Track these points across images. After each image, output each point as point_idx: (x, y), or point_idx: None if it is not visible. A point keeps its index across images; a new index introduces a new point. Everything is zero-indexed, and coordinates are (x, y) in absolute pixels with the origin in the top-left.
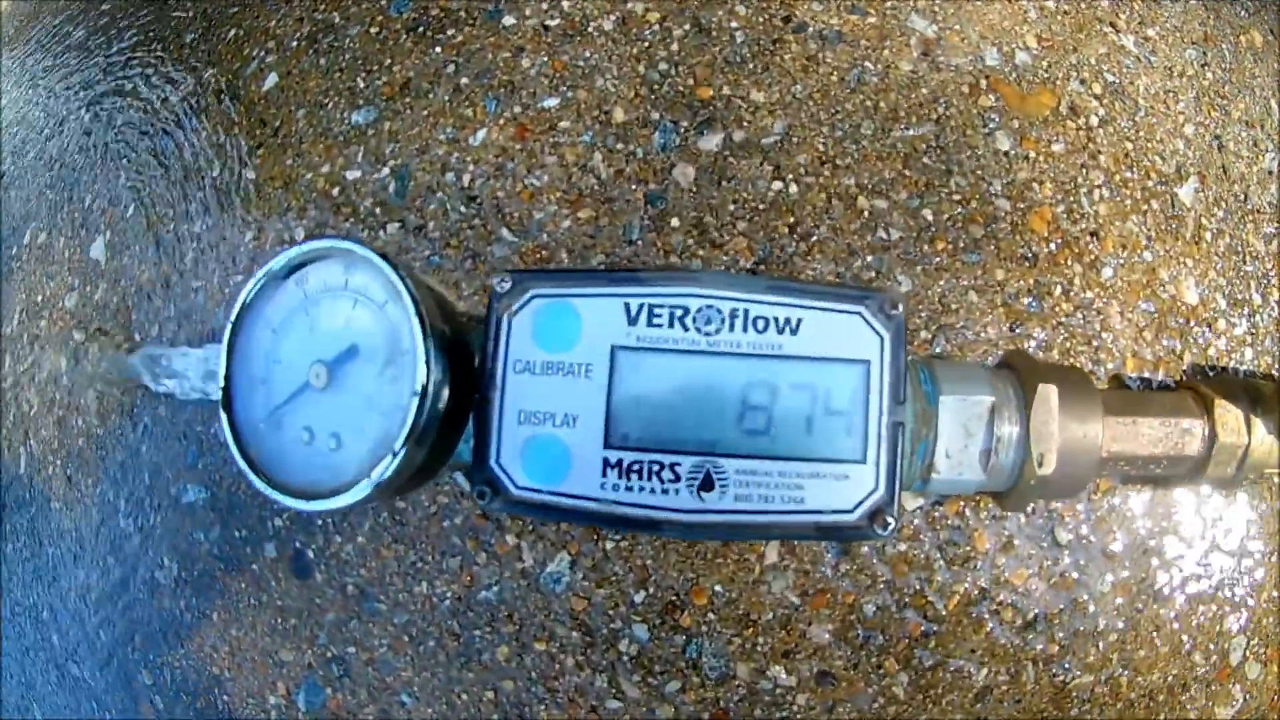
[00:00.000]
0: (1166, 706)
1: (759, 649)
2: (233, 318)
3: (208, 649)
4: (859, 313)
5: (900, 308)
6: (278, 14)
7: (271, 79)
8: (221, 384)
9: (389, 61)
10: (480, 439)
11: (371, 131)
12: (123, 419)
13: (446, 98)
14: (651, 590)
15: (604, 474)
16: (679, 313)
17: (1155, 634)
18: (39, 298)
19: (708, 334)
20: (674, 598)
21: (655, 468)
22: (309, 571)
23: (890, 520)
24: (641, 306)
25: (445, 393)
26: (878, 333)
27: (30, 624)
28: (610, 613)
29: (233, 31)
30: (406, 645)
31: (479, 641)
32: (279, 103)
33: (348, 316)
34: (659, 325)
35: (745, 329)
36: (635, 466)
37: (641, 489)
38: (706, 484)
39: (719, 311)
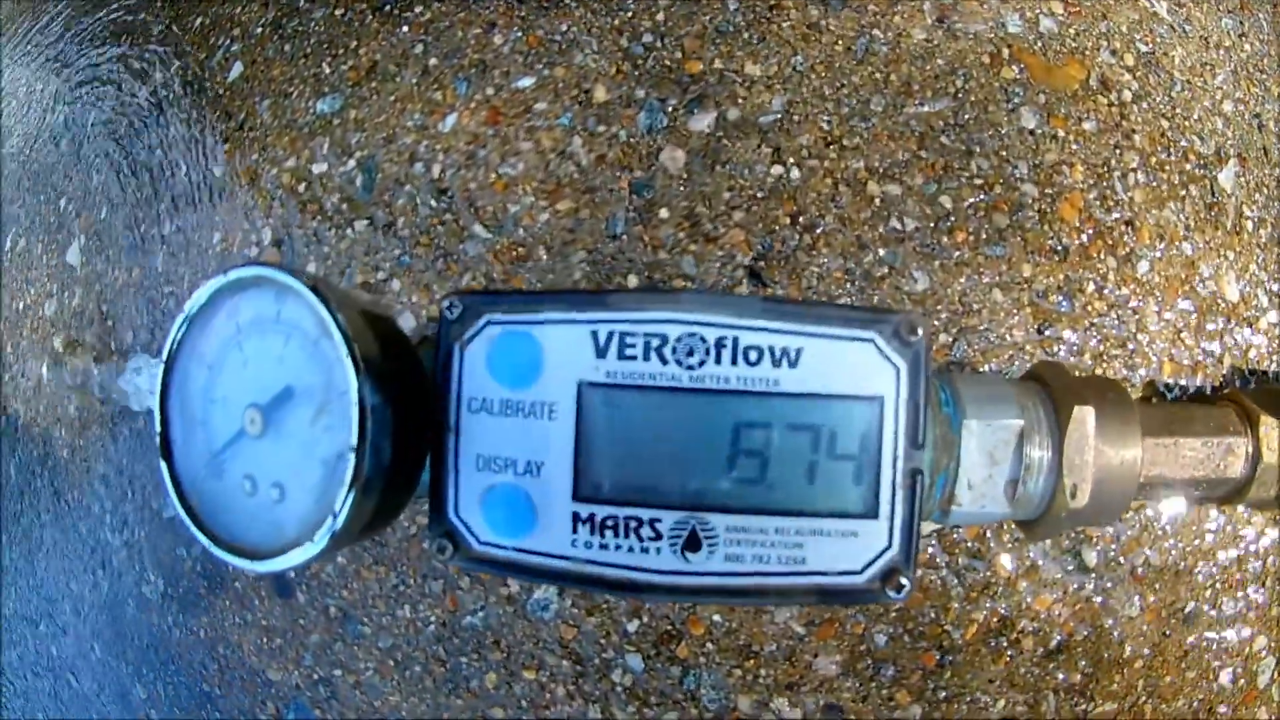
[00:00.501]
0: None
1: (761, 681)
2: (164, 356)
3: (197, 665)
4: (871, 339)
5: (921, 332)
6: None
7: (237, 68)
8: (158, 429)
9: (355, 44)
10: (436, 488)
11: (337, 121)
12: (103, 430)
13: (414, 80)
14: (645, 619)
15: (574, 530)
16: (655, 342)
17: (1183, 659)
18: (21, 305)
19: (690, 367)
20: (669, 627)
21: (632, 524)
22: (290, 591)
23: (905, 583)
24: (611, 335)
25: (387, 443)
26: (893, 363)
27: (29, 635)
28: (602, 642)
29: (199, 20)
30: (392, 670)
31: (466, 668)
32: (244, 94)
33: (280, 355)
34: (632, 357)
35: (735, 361)
36: (609, 522)
37: (618, 548)
38: (692, 543)
39: (703, 340)
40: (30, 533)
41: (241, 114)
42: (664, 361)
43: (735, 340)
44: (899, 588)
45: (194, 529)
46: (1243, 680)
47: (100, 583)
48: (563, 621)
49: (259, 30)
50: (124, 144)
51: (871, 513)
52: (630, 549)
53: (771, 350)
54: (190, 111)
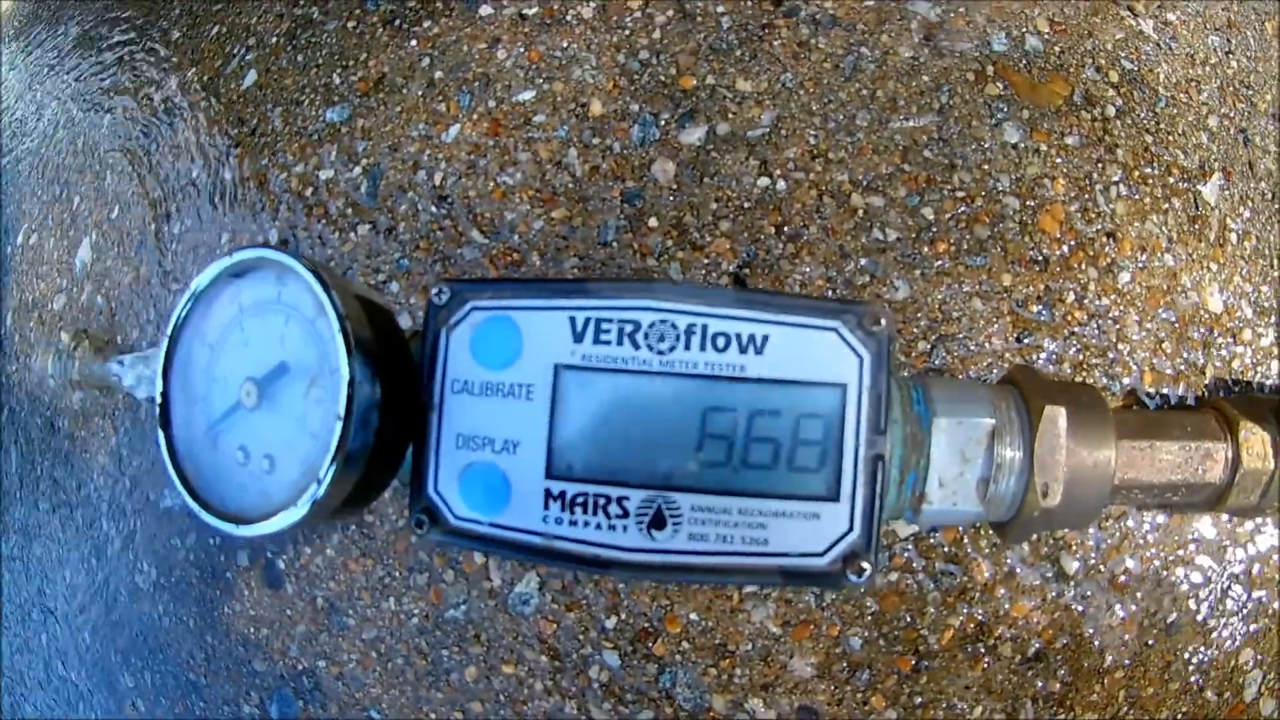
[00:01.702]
0: None
1: (736, 681)
2: (169, 332)
3: (185, 655)
4: (834, 328)
5: (884, 323)
6: (259, 10)
7: (251, 76)
8: (159, 400)
9: (365, 56)
10: (417, 465)
11: (345, 129)
12: (105, 422)
13: (420, 93)
14: (623, 616)
15: (546, 506)
16: (629, 328)
17: (1165, 670)
18: (30, 298)
19: (660, 352)
20: (647, 624)
21: (601, 501)
22: (280, 582)
23: (866, 566)
24: (588, 321)
25: (375, 418)
26: (856, 352)
27: (20, 623)
28: (580, 638)
29: (216, 28)
30: (375, 662)
31: (447, 661)
32: (257, 101)
33: (280, 334)
34: (607, 342)
35: (704, 347)
36: (580, 499)
37: (586, 524)
38: (658, 521)
39: (674, 327)
40: (28, 521)
41: (254, 120)
42: (636, 346)
43: (704, 327)
44: (860, 571)
45: (186, 495)
46: (1228, 694)
47: (95, 571)
48: (542, 617)
49: (274, 40)
50: (136, 146)
51: (833, 496)
52: (598, 526)
53: (739, 337)
54: (203, 117)
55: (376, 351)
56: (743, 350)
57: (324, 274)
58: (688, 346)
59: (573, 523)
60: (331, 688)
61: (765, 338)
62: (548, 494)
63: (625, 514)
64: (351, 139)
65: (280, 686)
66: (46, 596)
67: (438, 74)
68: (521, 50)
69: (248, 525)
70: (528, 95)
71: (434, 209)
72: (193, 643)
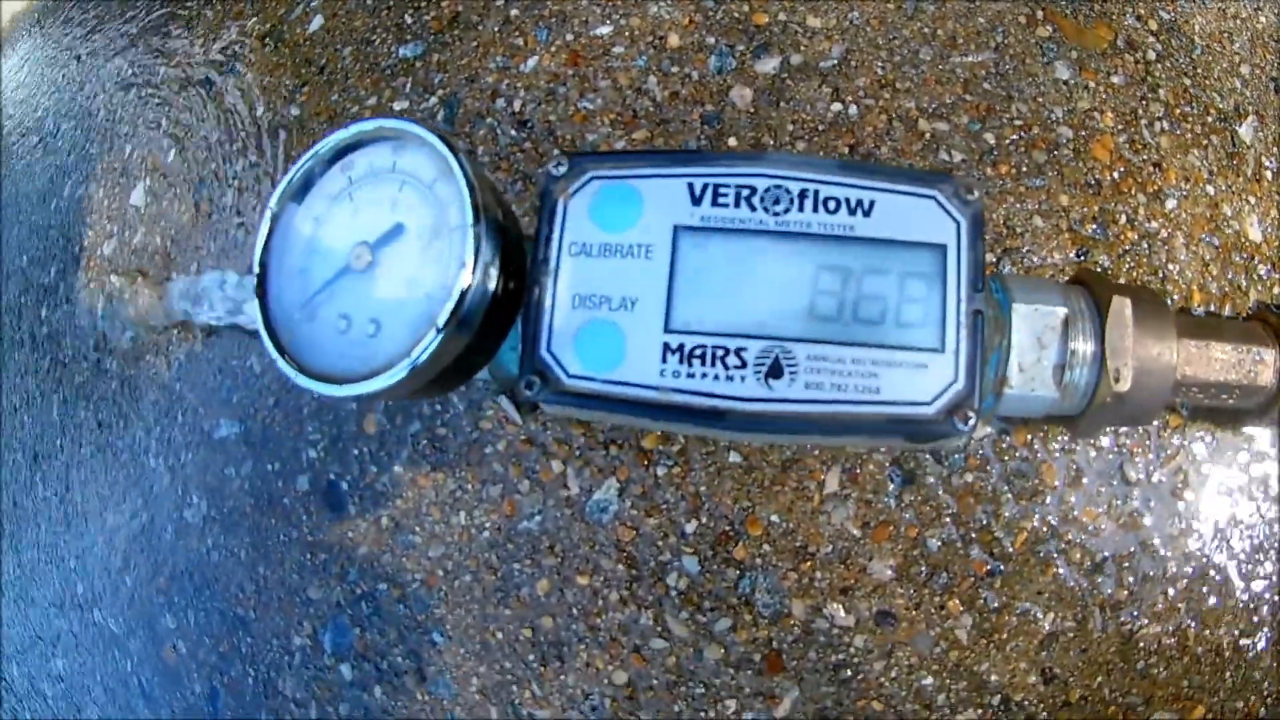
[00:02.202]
0: (1233, 664)
1: (816, 585)
2: (273, 204)
3: (234, 589)
4: (934, 196)
5: (976, 193)
6: None
7: (317, 21)
8: (256, 269)
9: None
10: (531, 326)
11: (419, 64)
12: (158, 358)
13: (496, 29)
14: (704, 520)
15: (664, 359)
16: (746, 192)
17: (1224, 585)
18: (76, 249)
19: (776, 214)
20: (728, 527)
21: (720, 353)
22: (343, 504)
23: (971, 415)
24: (706, 186)
25: (494, 273)
26: (954, 218)
27: (56, 572)
28: (659, 544)
29: None
30: (440, 580)
31: (518, 575)
32: (324, 43)
33: (394, 199)
34: (724, 205)
35: (815, 209)
36: (698, 351)
37: (704, 375)
38: (775, 370)
39: (787, 191)
40: (70, 466)
41: (322, 60)
42: (753, 209)
43: (816, 192)
44: (965, 419)
45: (281, 361)
46: None
47: (139, 511)
48: (621, 523)
49: None
50: (194, 92)
51: (939, 347)
52: (716, 377)
53: (848, 201)
54: (267, 60)
55: (495, 213)
56: (851, 212)
57: (448, 138)
58: (801, 209)
59: (690, 375)
60: (391, 611)
61: (873, 202)
62: (666, 347)
63: (743, 364)
64: (427, 72)
65: (336, 614)
66: (84, 540)
67: (514, 11)
68: None
69: (350, 385)
70: (605, 30)
71: (513, 132)
72: (243, 575)
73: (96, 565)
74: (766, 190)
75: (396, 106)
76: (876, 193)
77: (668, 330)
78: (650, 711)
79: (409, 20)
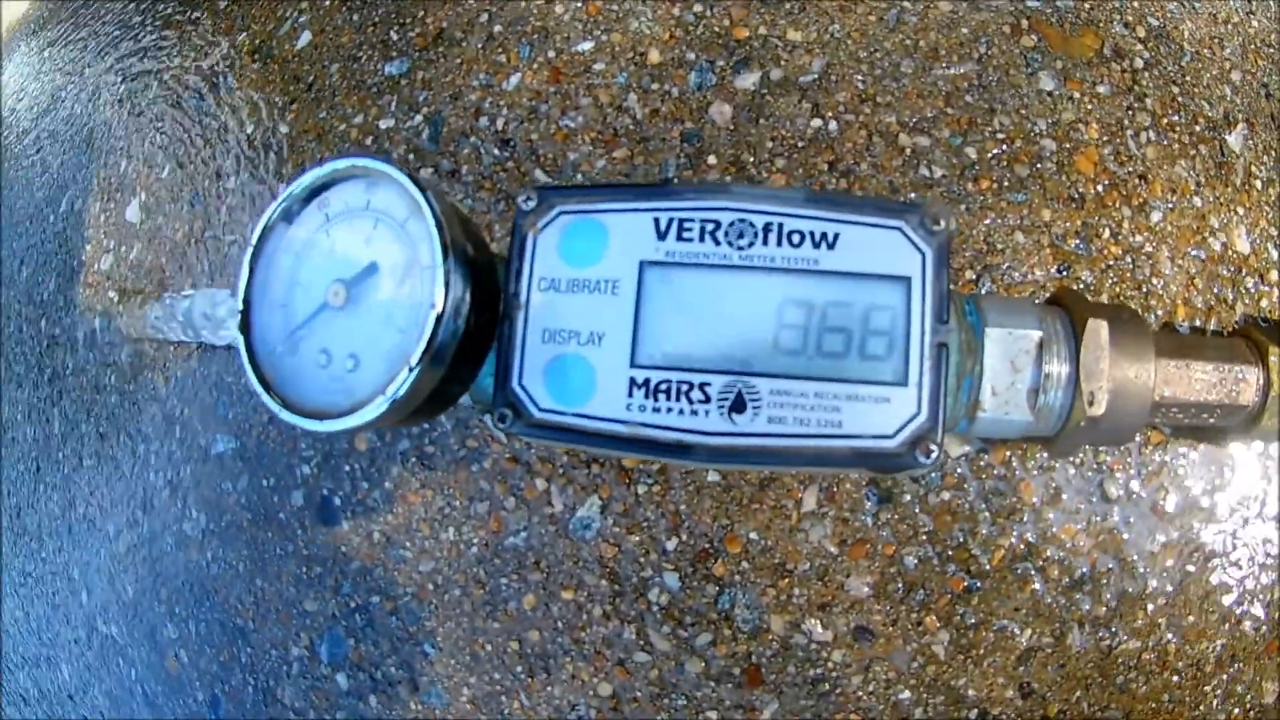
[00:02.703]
0: (1214, 679)
1: (794, 601)
2: (253, 241)
3: (233, 601)
4: (899, 227)
5: (944, 223)
6: None
7: (305, 37)
8: (240, 306)
9: (422, 13)
10: (503, 359)
11: (405, 81)
12: (155, 374)
13: (480, 45)
14: (684, 537)
15: (630, 394)
16: (710, 226)
17: (1204, 600)
18: (75, 262)
19: (740, 248)
20: (707, 545)
21: (684, 387)
22: (336, 519)
23: (933, 448)
24: (671, 220)
25: (465, 309)
26: (919, 249)
27: (62, 583)
28: (641, 560)
29: None
30: (431, 594)
31: (505, 590)
32: (312, 60)
33: (369, 236)
34: (689, 240)
35: (780, 243)
36: (663, 386)
37: (670, 410)
38: (738, 405)
39: (752, 225)
40: (71, 480)
41: (310, 77)
42: (717, 243)
43: (780, 225)
44: (928, 452)
45: (266, 396)
46: (1265, 628)
47: (140, 523)
48: (603, 540)
49: (328, 1)
50: (187, 109)
51: (902, 381)
52: (681, 411)
53: (812, 234)
54: (256, 76)
55: (465, 249)
56: (816, 245)
57: (418, 178)
58: (765, 242)
59: (656, 409)
60: (384, 624)
61: (837, 235)
62: (632, 382)
63: (707, 399)
64: (411, 90)
65: (331, 626)
66: (87, 551)
67: (497, 28)
68: (579, 4)
69: (332, 420)
70: (586, 46)
71: (497, 151)
72: (241, 587)
73: (100, 576)
74: (731, 224)
75: (382, 125)
76: (842, 225)
77: (634, 365)
78: None
79: (394, 36)
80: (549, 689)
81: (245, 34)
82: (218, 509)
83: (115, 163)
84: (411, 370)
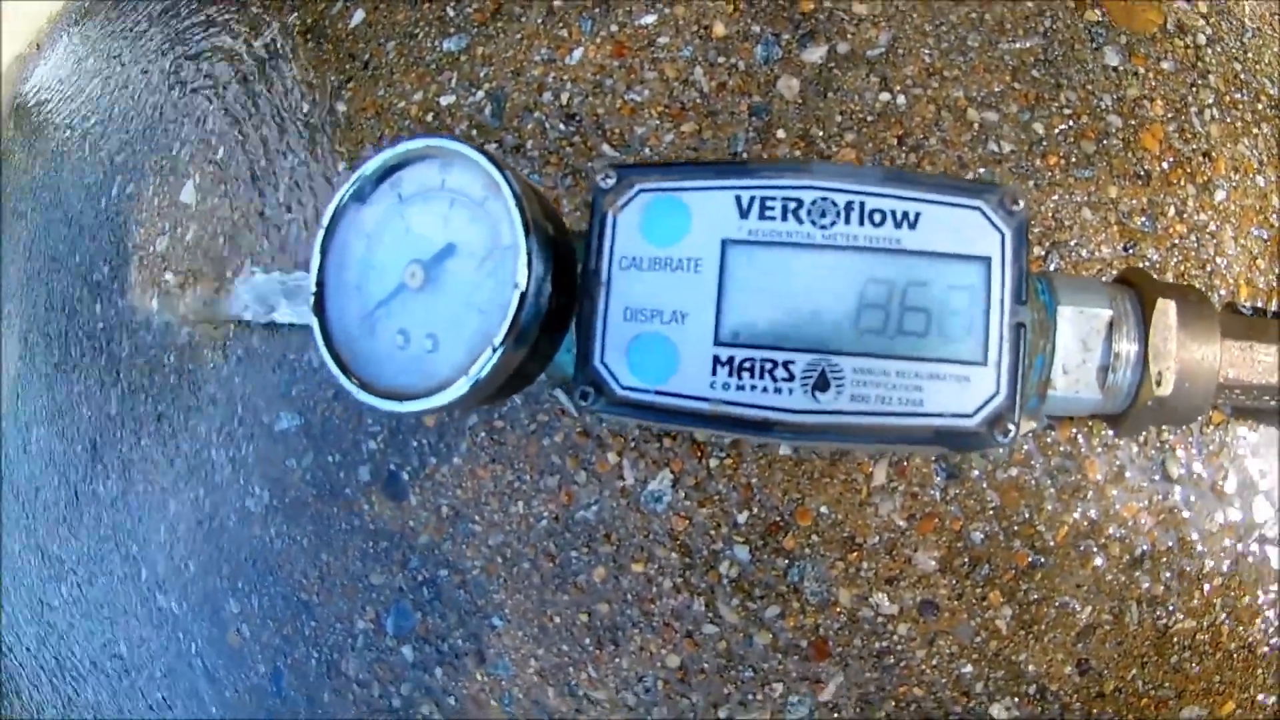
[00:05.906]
0: (1265, 662)
1: (862, 574)
2: (325, 223)
3: (297, 575)
4: (979, 207)
5: (1022, 204)
6: None
7: (359, 15)
8: (314, 289)
9: None
10: (584, 337)
11: (464, 57)
12: (215, 353)
13: (540, 20)
14: (755, 510)
15: (714, 372)
16: (793, 205)
17: (1258, 582)
18: (128, 246)
19: (823, 227)
20: (778, 518)
21: (768, 365)
22: (403, 494)
23: (1011, 427)
24: (754, 199)
25: (547, 288)
26: (998, 229)
27: (120, 559)
28: (712, 533)
29: None
30: (500, 567)
31: (575, 563)
32: (367, 37)
33: (445, 217)
34: (772, 218)
35: (862, 222)
36: (747, 364)
37: (753, 388)
38: (822, 383)
39: (834, 204)
40: (130, 460)
41: (366, 55)
42: (800, 221)
43: (862, 204)
44: (1005, 431)
45: (342, 378)
46: None
47: (201, 501)
48: (675, 513)
49: None
50: (239, 90)
51: (981, 360)
52: (765, 389)
53: (894, 214)
54: (310, 56)
55: (545, 228)
56: (898, 225)
57: (495, 157)
58: (847, 221)
59: (740, 387)
60: (452, 597)
61: (918, 214)
62: (715, 360)
63: (791, 377)
64: (472, 66)
65: (398, 599)
66: (148, 528)
67: (556, 2)
68: None
69: (412, 401)
70: (649, 19)
71: (562, 126)
72: (306, 562)
73: (160, 552)
74: (813, 203)
75: (443, 101)
76: (922, 204)
77: (717, 343)
78: (701, 693)
79: (451, 13)
80: (617, 660)
81: (296, 14)
82: (282, 485)
83: (168, 145)
84: (495, 350)
